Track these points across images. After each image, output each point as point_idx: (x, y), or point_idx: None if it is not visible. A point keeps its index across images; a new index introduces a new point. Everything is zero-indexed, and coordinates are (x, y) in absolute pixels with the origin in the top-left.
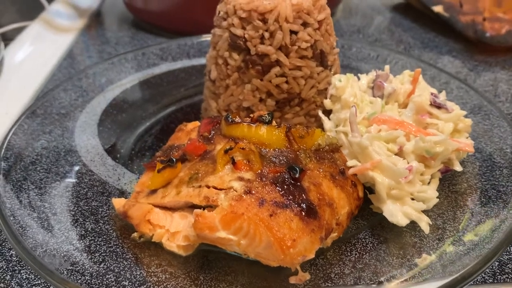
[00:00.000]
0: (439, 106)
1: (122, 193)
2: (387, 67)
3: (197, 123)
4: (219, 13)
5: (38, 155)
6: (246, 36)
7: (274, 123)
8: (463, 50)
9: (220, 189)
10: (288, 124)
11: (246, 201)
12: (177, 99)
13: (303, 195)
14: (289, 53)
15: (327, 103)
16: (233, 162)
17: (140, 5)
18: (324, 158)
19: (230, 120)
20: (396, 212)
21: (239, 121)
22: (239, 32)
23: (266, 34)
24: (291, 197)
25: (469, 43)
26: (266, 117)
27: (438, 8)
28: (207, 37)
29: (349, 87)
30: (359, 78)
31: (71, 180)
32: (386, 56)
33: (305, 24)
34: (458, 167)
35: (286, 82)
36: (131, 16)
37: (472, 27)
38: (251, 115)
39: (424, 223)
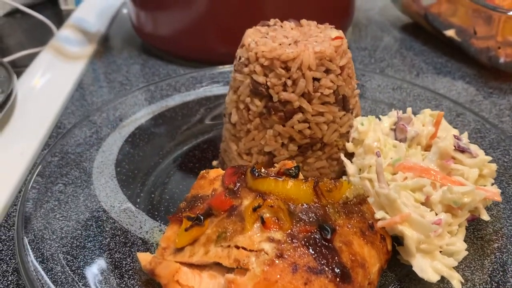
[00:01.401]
0: (463, 150)
1: (144, 243)
2: (409, 109)
3: (220, 170)
4: (239, 58)
5: (56, 200)
6: (269, 83)
7: (301, 175)
8: (476, 76)
9: (250, 251)
10: (315, 178)
11: (279, 267)
12: (193, 134)
13: (336, 257)
14: (312, 100)
15: (349, 146)
16: (263, 222)
17: (150, 30)
18: (352, 212)
19: (256, 174)
20: (426, 268)
21: (265, 175)
22: (261, 79)
23: (289, 82)
24: (324, 261)
25: (483, 68)
26: (293, 170)
27: (450, 32)
28: (221, 69)
29: (371, 131)
30: (379, 119)
31: (92, 229)
32: (400, 84)
33: (327, 71)
34: (485, 216)
35: (309, 127)
36: (140, 40)
37: (486, 53)
38: (276, 165)
39: (456, 281)
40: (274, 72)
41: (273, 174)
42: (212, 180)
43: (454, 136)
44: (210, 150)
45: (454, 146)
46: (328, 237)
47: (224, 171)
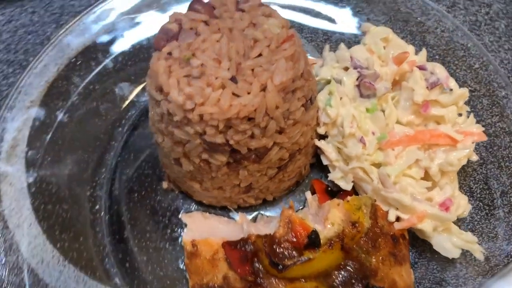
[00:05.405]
0: (434, 84)
1: None
2: (373, 63)
3: (211, 242)
4: (168, 113)
5: None
6: (231, 142)
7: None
8: None
9: None
10: (338, 236)
11: None
12: (105, 136)
13: None
14: (285, 129)
15: (321, 130)
16: None
17: None
18: (376, 238)
19: (281, 268)
20: (448, 246)
21: (288, 261)
22: (219, 140)
23: (256, 131)
24: None
25: None
26: (313, 237)
27: None
28: None
29: (340, 107)
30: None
31: None
32: None
33: (294, 90)
34: (475, 157)
35: (286, 150)
36: None
37: None
38: (278, 217)
39: (479, 252)
40: (234, 129)
41: (292, 251)
42: (211, 260)
43: (418, 67)
44: (146, 163)
45: (427, 87)
46: None
47: (217, 242)
